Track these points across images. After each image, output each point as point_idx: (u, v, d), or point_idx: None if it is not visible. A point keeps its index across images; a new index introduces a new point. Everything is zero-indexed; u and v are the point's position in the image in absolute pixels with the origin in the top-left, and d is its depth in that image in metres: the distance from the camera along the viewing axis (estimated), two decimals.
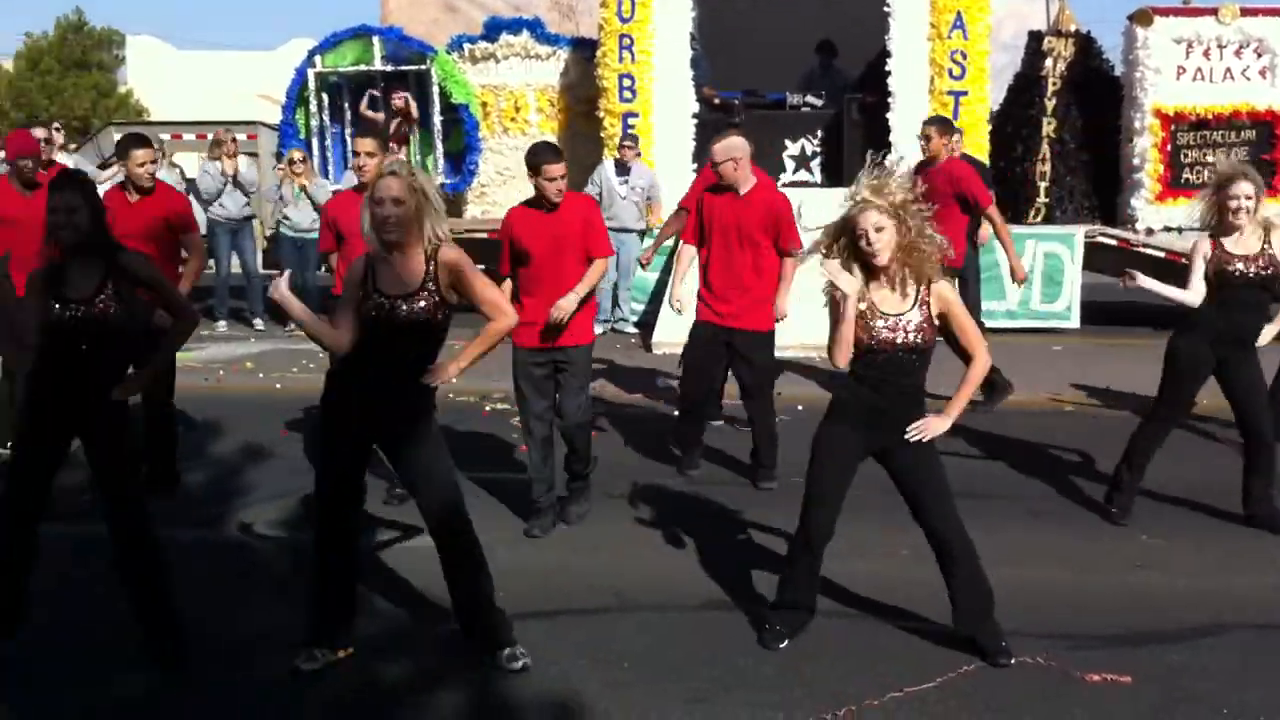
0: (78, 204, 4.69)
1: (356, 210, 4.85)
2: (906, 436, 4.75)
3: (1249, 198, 6.16)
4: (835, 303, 4.71)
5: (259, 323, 14.05)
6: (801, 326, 11.78)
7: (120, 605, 4.91)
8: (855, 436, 4.86)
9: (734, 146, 7.28)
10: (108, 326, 4.72)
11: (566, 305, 6.35)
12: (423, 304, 4.59)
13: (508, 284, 6.47)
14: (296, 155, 13.82)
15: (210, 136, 15.05)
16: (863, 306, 4.69)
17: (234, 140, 14.15)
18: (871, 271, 4.70)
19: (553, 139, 12.97)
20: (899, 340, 4.68)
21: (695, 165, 13.12)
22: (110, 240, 4.88)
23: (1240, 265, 6.22)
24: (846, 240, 4.74)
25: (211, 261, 14.78)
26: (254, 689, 4.67)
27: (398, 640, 5.10)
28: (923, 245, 4.64)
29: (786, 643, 4.98)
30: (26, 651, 4.84)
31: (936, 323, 4.74)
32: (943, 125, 9.36)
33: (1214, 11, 13.32)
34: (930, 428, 4.75)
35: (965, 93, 13.08)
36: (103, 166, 14.51)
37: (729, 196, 7.34)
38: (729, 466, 7.87)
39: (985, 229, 12.14)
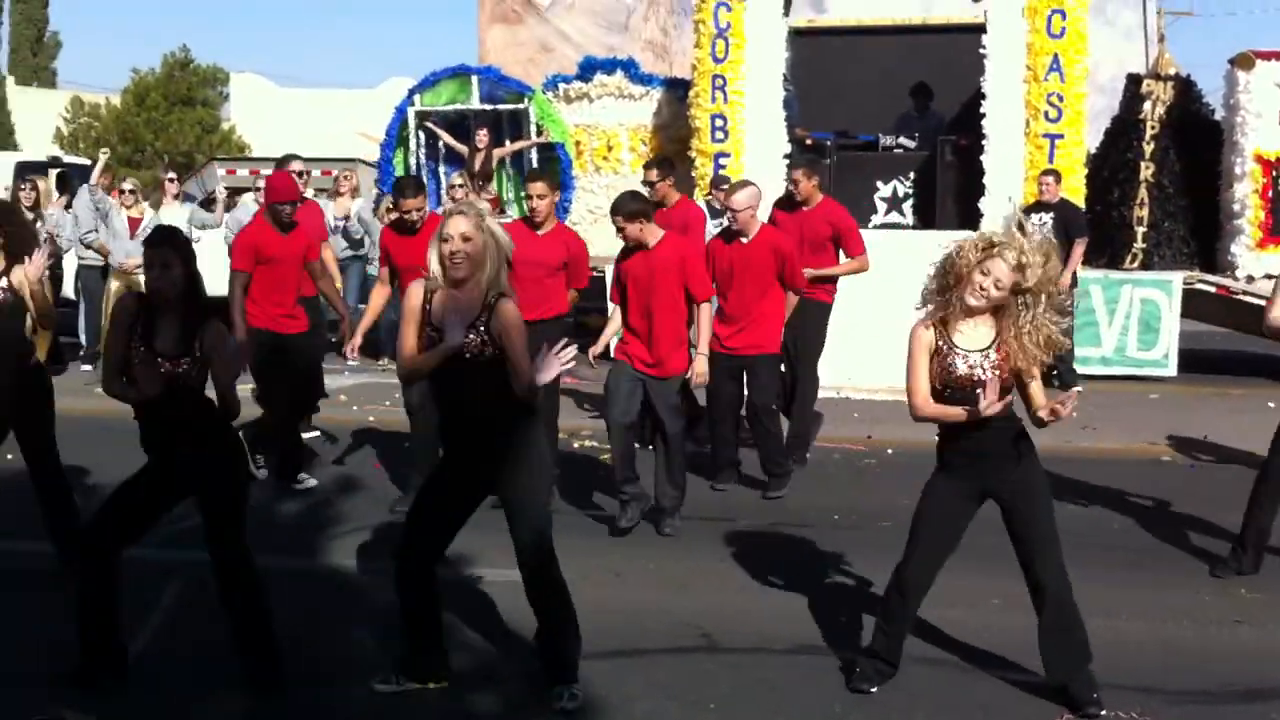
0: (171, 260, 4.76)
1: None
2: (1039, 415, 4.65)
3: None
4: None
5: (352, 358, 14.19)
6: (894, 371, 11.70)
7: (213, 630, 5.00)
8: (959, 485, 4.81)
9: (755, 195, 7.98)
10: (188, 385, 4.82)
11: (701, 369, 7.30)
12: (469, 338, 4.63)
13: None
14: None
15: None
16: (942, 345, 4.69)
17: (350, 180, 14.17)
18: (963, 309, 4.65)
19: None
20: (977, 378, 4.63)
21: None
22: (201, 302, 4.91)
23: None
24: (953, 277, 4.67)
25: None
26: (346, 716, 4.74)
27: (487, 671, 5.13)
28: (1030, 331, 4.57)
29: (875, 689, 4.92)
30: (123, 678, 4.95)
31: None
32: (810, 166, 9.22)
33: None
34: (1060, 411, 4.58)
35: (1061, 135, 12.93)
36: (207, 202, 14.83)
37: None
38: (820, 508, 7.83)
39: (1065, 275, 12.05)
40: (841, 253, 9.04)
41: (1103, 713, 4.68)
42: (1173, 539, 7.18)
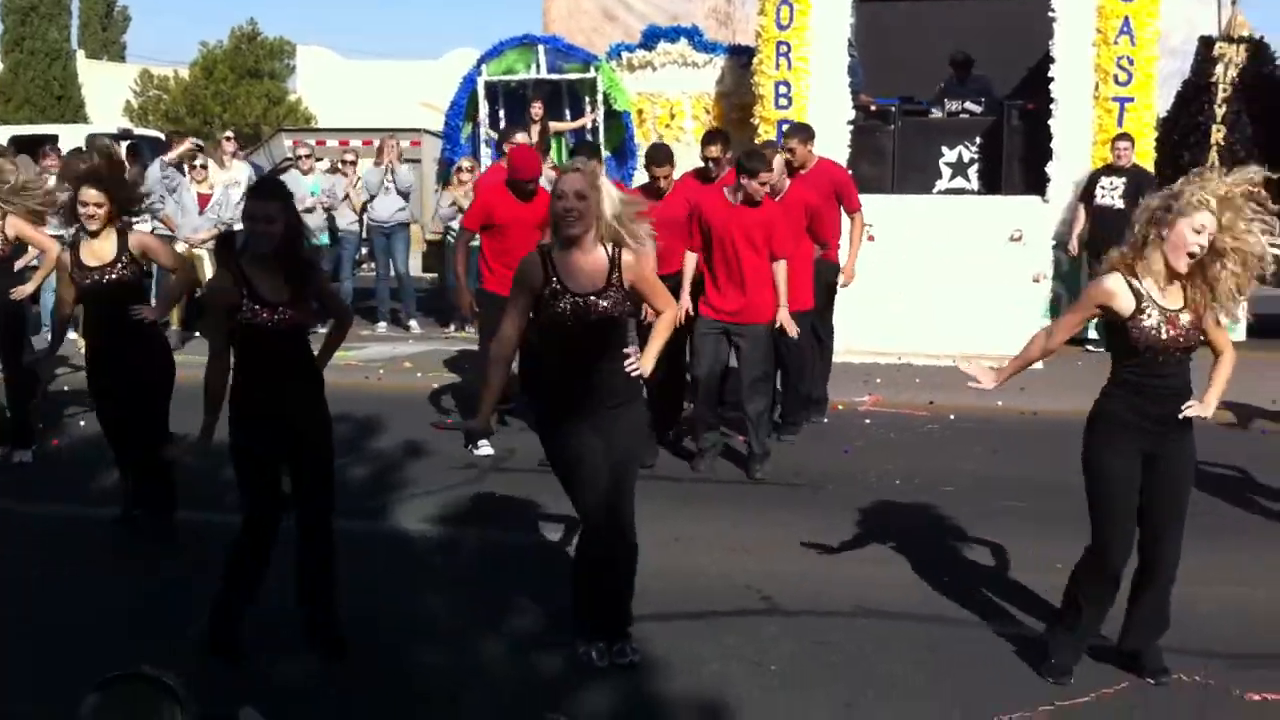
0: (275, 214, 4.82)
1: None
2: (1182, 413, 4.48)
3: None
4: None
5: (414, 324, 14.40)
6: (957, 337, 11.69)
7: (277, 597, 5.11)
8: (1129, 448, 4.58)
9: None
10: (296, 336, 4.92)
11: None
12: (609, 301, 4.67)
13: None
14: (465, 164, 14.14)
15: (375, 143, 15.53)
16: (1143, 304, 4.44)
17: (395, 143, 14.55)
18: (1167, 272, 4.44)
19: None
20: (1181, 341, 4.45)
21: (851, 172, 13.03)
22: (302, 253, 5.01)
23: None
24: (1155, 233, 4.44)
25: (373, 263, 15.32)
26: (414, 679, 4.83)
27: (558, 635, 5.18)
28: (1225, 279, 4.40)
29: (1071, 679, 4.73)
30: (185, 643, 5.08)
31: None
32: (804, 133, 9.19)
33: None
34: (1200, 408, 4.49)
35: (1131, 99, 12.73)
36: (275, 172, 15.03)
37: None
38: (882, 472, 7.82)
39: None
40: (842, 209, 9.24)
41: (1169, 678, 4.66)
42: (1243, 504, 7.11)
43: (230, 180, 12.92)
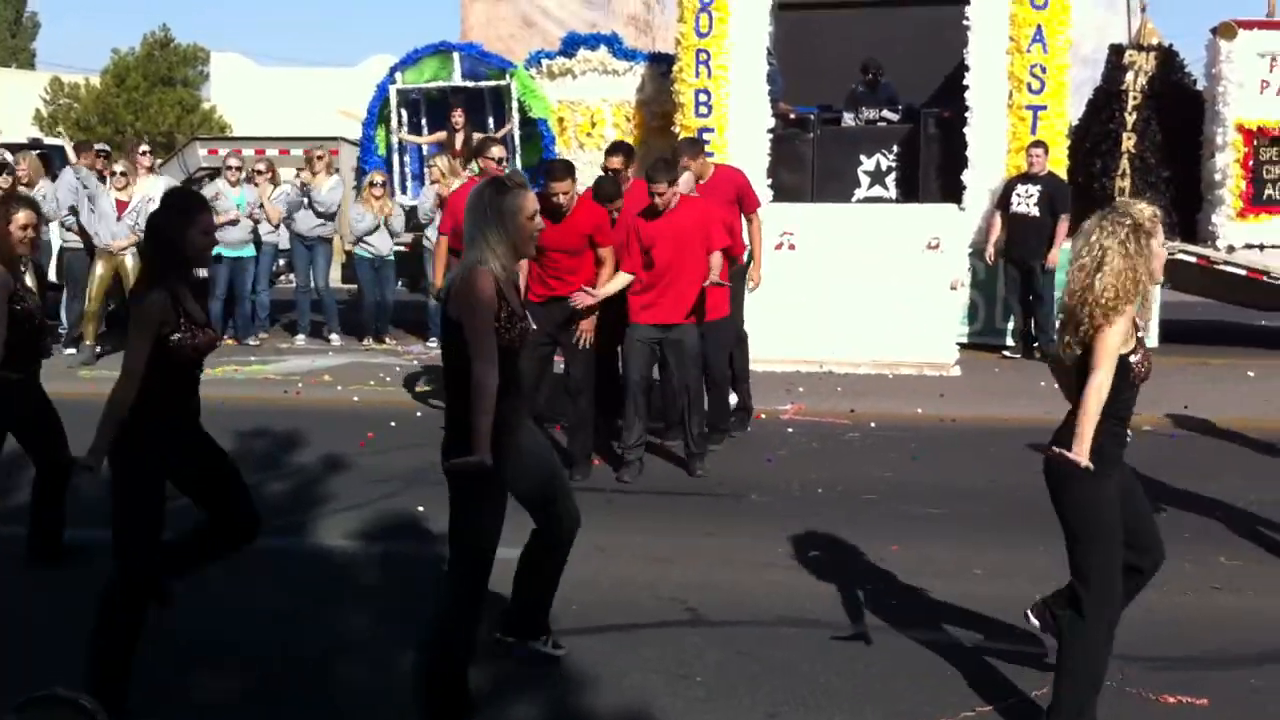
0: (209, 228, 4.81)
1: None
2: None
3: None
4: None
5: (335, 337, 14.26)
6: (876, 345, 11.83)
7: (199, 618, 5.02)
8: (1117, 481, 4.36)
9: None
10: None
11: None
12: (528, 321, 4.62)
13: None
14: (377, 179, 14.07)
15: (291, 152, 15.38)
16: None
17: (322, 158, 14.37)
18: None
19: None
20: (1144, 372, 4.34)
21: (770, 180, 13.13)
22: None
23: None
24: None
25: (291, 275, 15.16)
26: (339, 697, 4.77)
27: (482, 649, 5.15)
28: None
29: None
30: None
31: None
32: (692, 147, 9.11)
33: None
34: None
35: (1044, 107, 12.95)
36: (190, 183, 14.85)
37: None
38: (804, 481, 7.87)
39: (1054, 254, 12.15)
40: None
41: None
42: (1153, 509, 7.23)
43: (144, 196, 12.63)
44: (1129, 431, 4.40)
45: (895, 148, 13.96)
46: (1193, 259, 13.13)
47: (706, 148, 12.93)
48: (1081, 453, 4.14)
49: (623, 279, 7.85)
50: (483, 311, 4.27)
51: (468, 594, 4.43)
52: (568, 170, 7.81)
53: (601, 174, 8.73)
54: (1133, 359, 4.27)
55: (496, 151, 9.16)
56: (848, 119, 14.25)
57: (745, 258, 9.00)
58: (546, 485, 4.86)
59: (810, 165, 13.96)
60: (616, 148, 8.95)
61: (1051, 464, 4.30)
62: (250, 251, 13.89)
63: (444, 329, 4.50)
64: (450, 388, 4.43)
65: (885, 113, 14.14)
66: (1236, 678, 4.86)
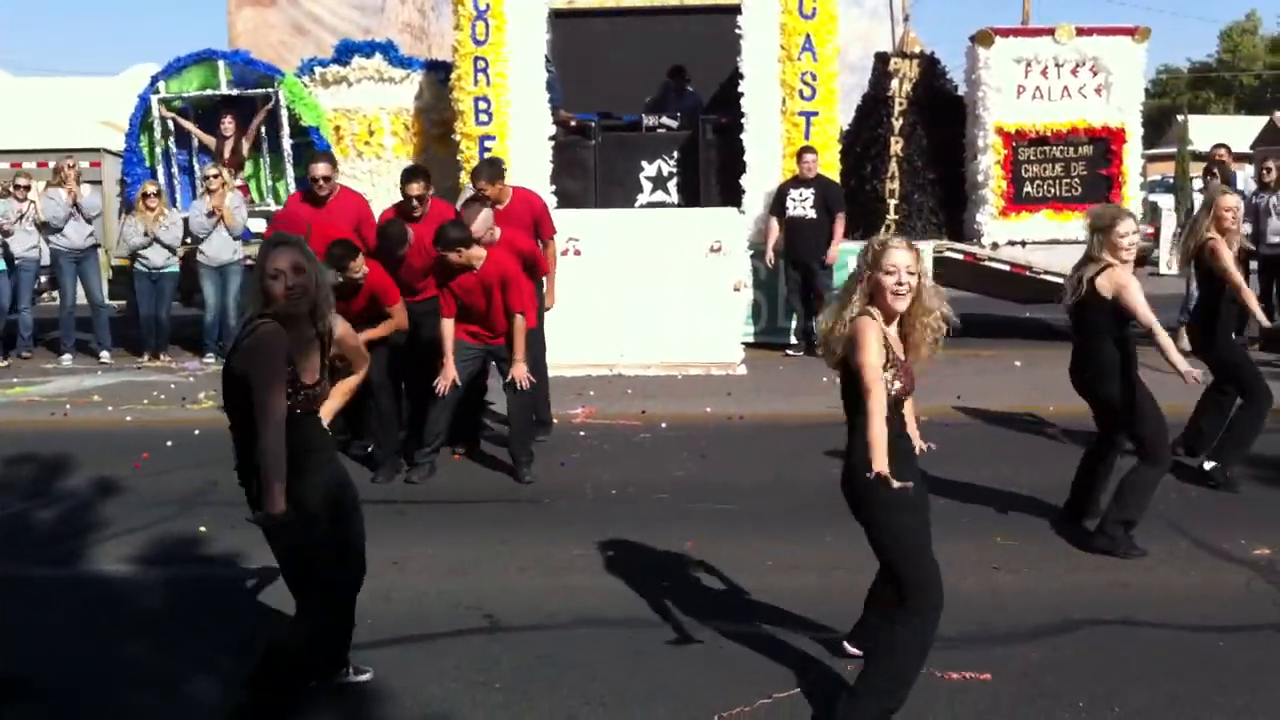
0: None
1: None
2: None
3: (1135, 232, 6.41)
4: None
5: (105, 355, 13.63)
6: (663, 347, 11.98)
7: None
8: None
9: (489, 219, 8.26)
10: None
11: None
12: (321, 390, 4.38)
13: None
14: (150, 189, 13.52)
15: (51, 164, 14.65)
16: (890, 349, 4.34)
17: (74, 167, 13.82)
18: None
19: (408, 163, 12.80)
20: (905, 385, 4.40)
21: (553, 187, 13.14)
22: None
23: None
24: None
25: (55, 293, 14.41)
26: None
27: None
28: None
29: None
30: None
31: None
32: (490, 170, 9.07)
33: (1051, 31, 13.78)
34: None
35: (816, 113, 13.34)
36: None
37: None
38: (597, 482, 7.89)
39: (833, 251, 12.57)
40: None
41: None
42: (931, 495, 7.48)
43: None
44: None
45: (675, 153, 14.16)
46: (960, 256, 13.72)
47: (488, 155, 12.96)
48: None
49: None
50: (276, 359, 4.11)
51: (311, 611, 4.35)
52: (419, 174, 8.62)
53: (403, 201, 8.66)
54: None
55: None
56: (649, 121, 14.32)
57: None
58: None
59: (593, 171, 14.05)
60: (415, 173, 8.72)
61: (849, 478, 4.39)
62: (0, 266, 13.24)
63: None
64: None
65: (664, 119, 14.32)
66: (1016, 653, 5.07)
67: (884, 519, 4.32)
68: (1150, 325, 6.09)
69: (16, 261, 13.57)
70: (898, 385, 4.35)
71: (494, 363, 8.30)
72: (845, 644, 4.99)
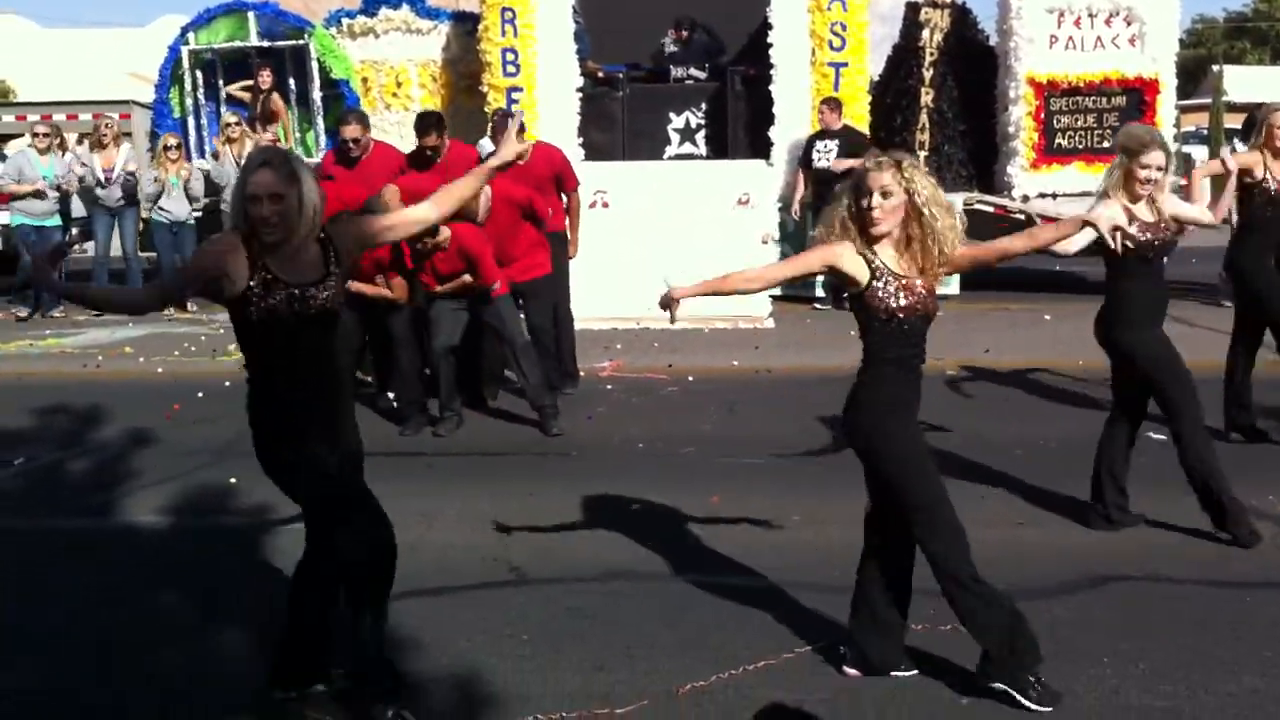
0: None
1: None
2: None
3: (1160, 169, 5.71)
4: None
5: None
6: (690, 300, 11.87)
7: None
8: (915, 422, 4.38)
9: None
10: None
11: None
12: (329, 293, 4.19)
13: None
14: (171, 141, 13.56)
15: (81, 117, 14.71)
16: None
17: (109, 128, 13.86)
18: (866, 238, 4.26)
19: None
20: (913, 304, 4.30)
21: (581, 139, 13.10)
22: None
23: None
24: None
25: (90, 245, 14.51)
26: (157, 678, 4.61)
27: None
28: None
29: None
30: None
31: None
32: (432, 122, 9.01)
33: None
34: None
35: (845, 64, 13.24)
36: None
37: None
38: (624, 436, 7.92)
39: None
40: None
41: None
42: (958, 448, 7.48)
43: None
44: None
45: (704, 105, 14.09)
46: (990, 208, 13.61)
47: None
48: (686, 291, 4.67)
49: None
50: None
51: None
52: (435, 123, 8.82)
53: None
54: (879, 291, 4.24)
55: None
56: (676, 73, 14.25)
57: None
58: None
59: (620, 124, 14.00)
60: (429, 124, 8.88)
61: (851, 425, 4.39)
62: (56, 222, 13.35)
63: None
64: None
65: (693, 71, 14.23)
66: (1040, 609, 5.06)
67: (884, 446, 4.32)
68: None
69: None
70: (902, 300, 4.25)
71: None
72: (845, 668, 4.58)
